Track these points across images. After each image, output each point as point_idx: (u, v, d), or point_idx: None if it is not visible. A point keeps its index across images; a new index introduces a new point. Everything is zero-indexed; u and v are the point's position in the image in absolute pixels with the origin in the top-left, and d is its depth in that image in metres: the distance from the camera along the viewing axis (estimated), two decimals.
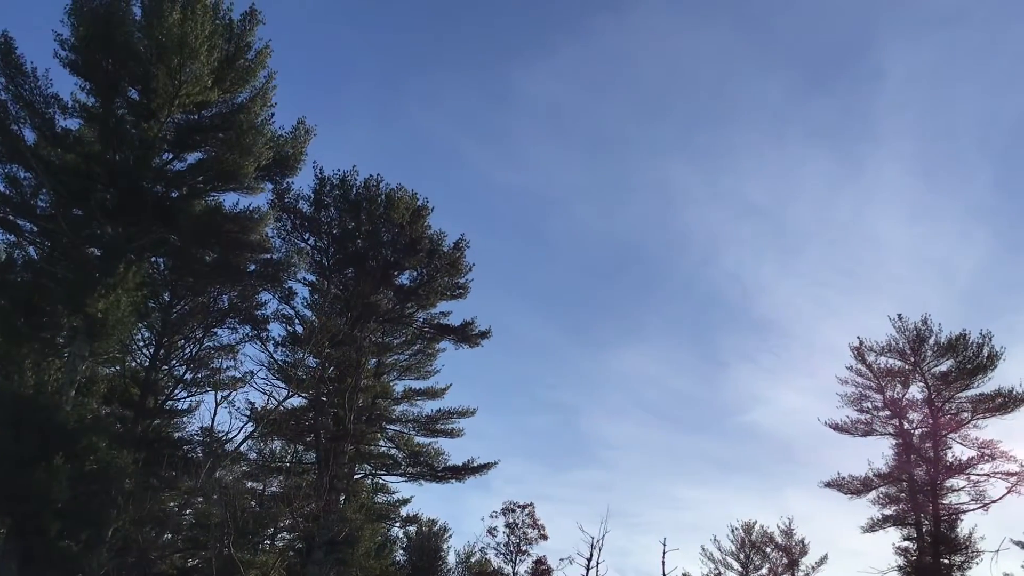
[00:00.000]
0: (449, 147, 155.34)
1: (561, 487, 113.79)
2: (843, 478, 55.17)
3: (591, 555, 54.36)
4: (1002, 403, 51.07)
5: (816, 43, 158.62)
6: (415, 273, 46.66)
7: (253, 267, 37.67)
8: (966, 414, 52.45)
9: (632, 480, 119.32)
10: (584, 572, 54.37)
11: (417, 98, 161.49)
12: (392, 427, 49.56)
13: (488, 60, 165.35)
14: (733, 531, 66.73)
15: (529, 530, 65.90)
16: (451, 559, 65.43)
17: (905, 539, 52.95)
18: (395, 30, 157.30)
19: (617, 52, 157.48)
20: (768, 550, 65.48)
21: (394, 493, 53.35)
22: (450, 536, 64.61)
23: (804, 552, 64.69)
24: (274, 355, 42.36)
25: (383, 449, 49.63)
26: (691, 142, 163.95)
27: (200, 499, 32.58)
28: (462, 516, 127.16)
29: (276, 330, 42.95)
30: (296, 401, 41.13)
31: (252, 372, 39.12)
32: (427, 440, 49.23)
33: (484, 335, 48.86)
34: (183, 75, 28.74)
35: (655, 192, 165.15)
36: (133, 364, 38.30)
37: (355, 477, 47.45)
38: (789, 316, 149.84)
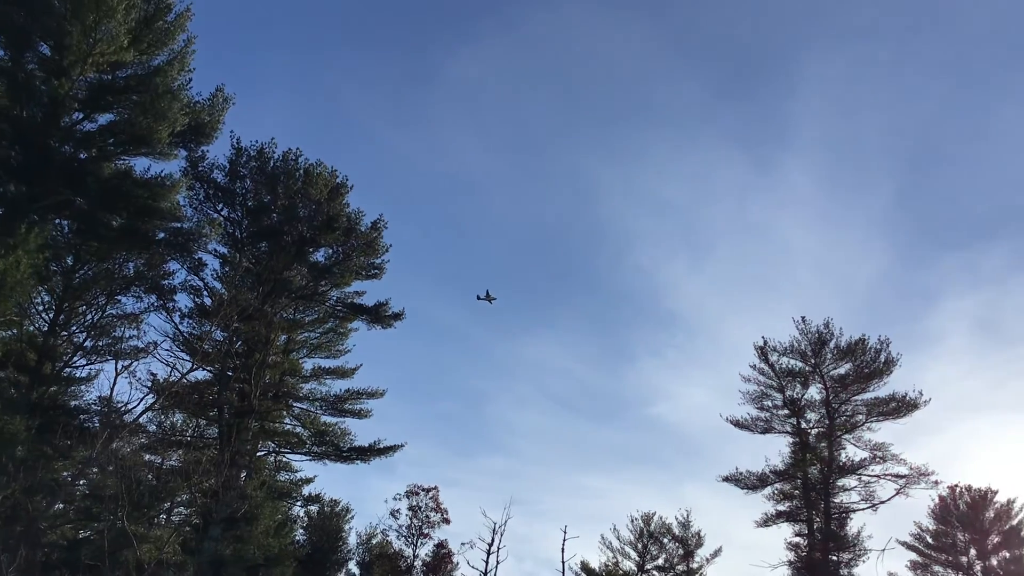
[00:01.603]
0: (369, 126, 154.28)
1: (466, 472, 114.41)
2: (741, 473, 56.74)
3: (492, 540, 54.93)
4: (895, 407, 53.02)
5: (735, 49, 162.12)
6: (331, 251, 46.09)
7: (162, 235, 36.83)
8: (861, 416, 54.33)
9: (536, 467, 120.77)
10: (485, 557, 54.88)
11: (339, 74, 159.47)
12: (299, 405, 49.04)
13: (413, 40, 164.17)
14: (633, 521, 67.75)
15: (432, 514, 66.06)
16: (352, 540, 65.28)
17: (797, 535, 54.67)
18: (320, 1, 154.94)
19: (543, 43, 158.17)
20: (665, 541, 66.69)
21: (297, 472, 52.84)
22: (352, 517, 64.45)
23: (700, 544, 66.11)
24: (180, 326, 41.63)
25: (288, 427, 49.03)
26: (610, 138, 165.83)
27: (95, 470, 31.63)
28: (365, 497, 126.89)
29: (183, 301, 42.16)
30: (200, 374, 40.26)
31: (156, 343, 38.45)
32: (334, 420, 48.86)
33: (397, 317, 48.64)
34: (98, 32, 27.88)
35: (573, 185, 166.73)
36: (31, 328, 36.85)
37: (258, 454, 46.84)
38: (697, 313, 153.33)
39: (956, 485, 68.70)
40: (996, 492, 68.12)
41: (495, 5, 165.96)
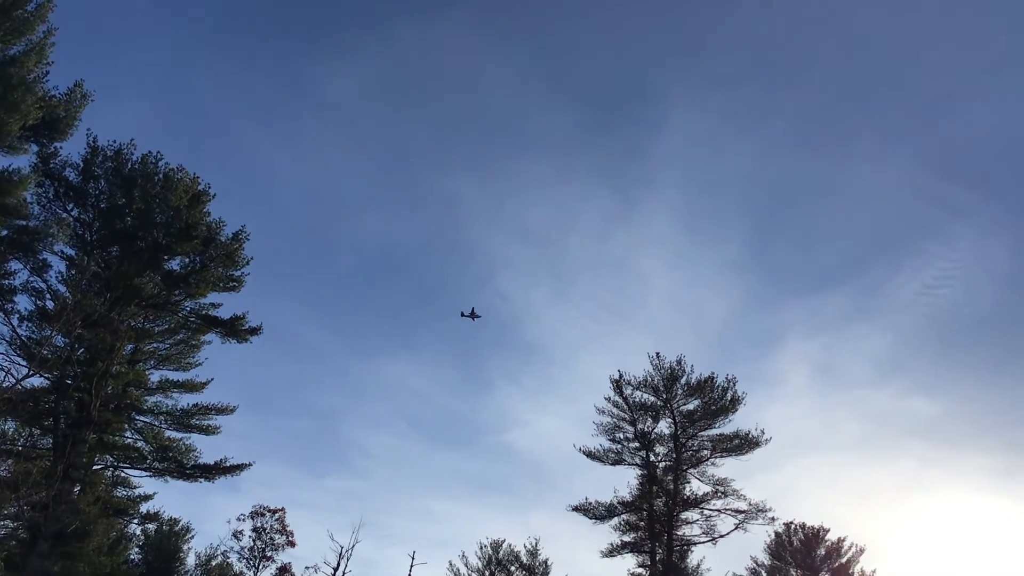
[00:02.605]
0: (237, 134, 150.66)
1: (315, 493, 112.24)
2: (590, 503, 57.52)
3: (338, 565, 53.94)
4: (739, 444, 55.06)
5: (607, 87, 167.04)
6: (187, 260, 44.55)
7: (5, 232, 34.89)
8: (706, 452, 56.18)
9: (387, 491, 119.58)
10: None
11: (208, 78, 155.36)
12: (142, 418, 46.80)
13: (286, 49, 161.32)
14: (482, 548, 67.75)
15: (277, 536, 64.45)
16: (190, 561, 62.84)
17: (640, 566, 55.78)
18: (192, 5, 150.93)
19: (417, 63, 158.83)
20: (513, 569, 66.91)
21: (136, 488, 50.31)
22: (192, 537, 62.08)
23: (547, 572, 66.51)
24: (18, 329, 39.38)
25: (129, 440, 46.74)
26: (481, 162, 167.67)
27: None
28: (207, 516, 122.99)
29: (23, 303, 39.95)
30: (37, 381, 38.22)
31: None
32: (179, 435, 46.81)
33: (254, 331, 47.37)
34: None
35: (442, 207, 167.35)
36: None
37: (94, 468, 44.57)
38: (555, 343, 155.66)
39: (791, 522, 71.95)
40: (828, 530, 71.69)
41: (369, 20, 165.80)
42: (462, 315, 64.58)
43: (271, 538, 64.10)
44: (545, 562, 66.81)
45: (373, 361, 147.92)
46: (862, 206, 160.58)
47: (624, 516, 56.85)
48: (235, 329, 47.08)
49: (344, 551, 54.01)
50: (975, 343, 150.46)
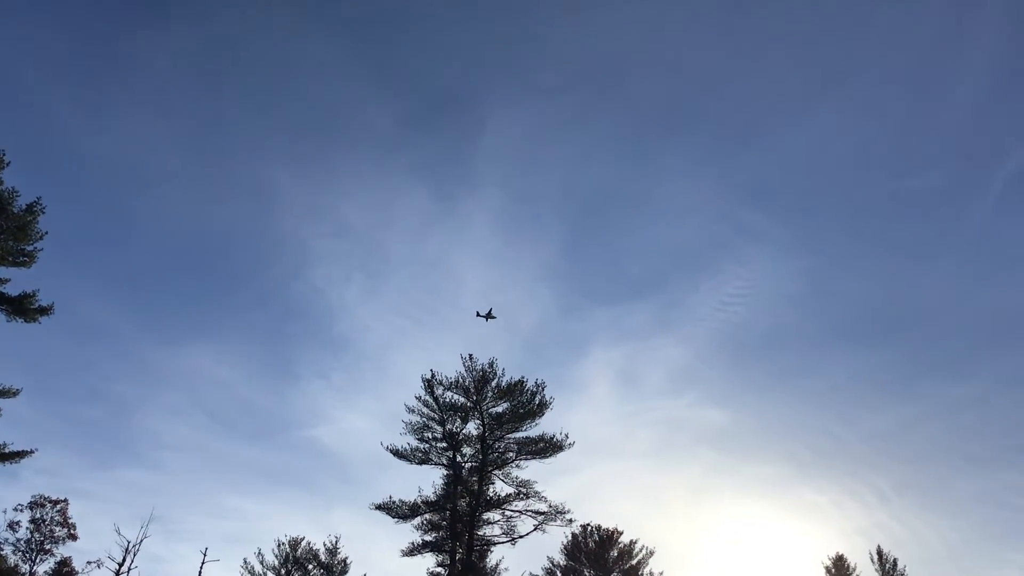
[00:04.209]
0: (36, 99, 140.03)
1: (103, 484, 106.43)
2: (394, 502, 57.22)
3: (124, 560, 51.18)
4: (544, 447, 56.25)
5: (431, 85, 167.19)
6: None
7: None
8: (512, 454, 57.08)
9: (181, 484, 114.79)
10: None
11: (12, 45, 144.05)
12: None
13: (96, 15, 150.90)
14: (280, 546, 66.20)
15: (58, 528, 60.54)
16: None
17: (439, 565, 55.94)
18: None
19: (237, 45, 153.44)
20: (311, 567, 65.77)
21: None
22: None
23: (345, 571, 65.97)
24: None
25: None
26: (299, 151, 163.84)
27: None
28: None
29: None
30: None
31: None
32: None
33: (44, 311, 44.40)
34: None
35: (254, 194, 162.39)
36: None
37: None
38: (368, 339, 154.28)
39: (588, 524, 74.26)
40: (621, 533, 74.43)
41: None
42: (477, 315, 63.37)
43: (51, 530, 60.10)
44: (344, 561, 66.15)
45: (173, 348, 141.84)
46: (669, 223, 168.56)
47: (427, 515, 56.88)
48: (23, 307, 43.98)
49: (131, 546, 51.32)
50: (761, 359, 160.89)
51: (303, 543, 66.72)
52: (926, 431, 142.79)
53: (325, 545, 66.64)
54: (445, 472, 57.43)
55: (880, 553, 69.25)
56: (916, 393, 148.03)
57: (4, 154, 40.81)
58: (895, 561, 68.44)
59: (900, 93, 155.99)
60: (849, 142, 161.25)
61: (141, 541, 51.58)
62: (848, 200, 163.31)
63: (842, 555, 72.24)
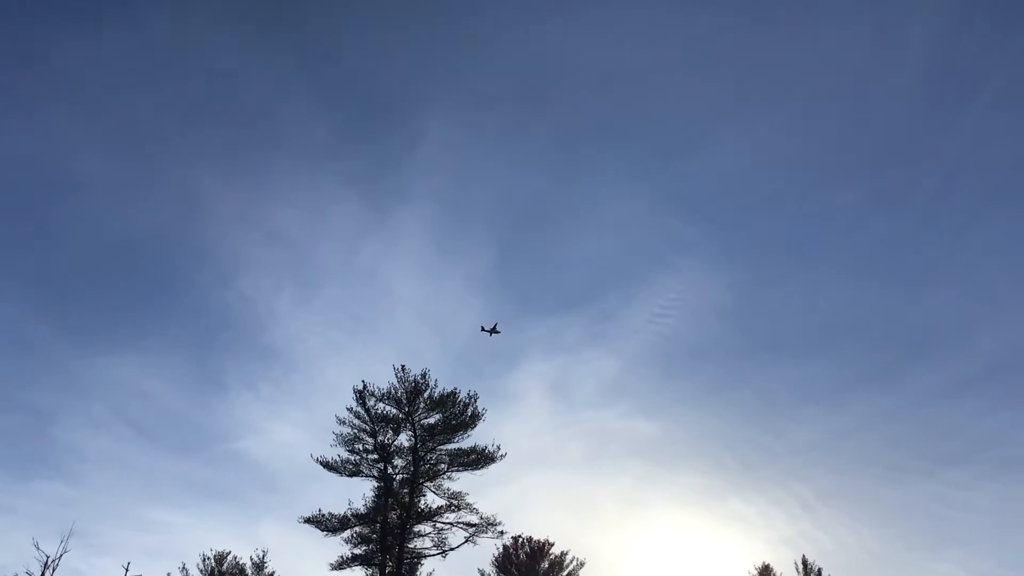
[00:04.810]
0: None
1: (19, 498, 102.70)
2: (323, 515, 56.42)
3: (42, 575, 49.43)
4: (476, 459, 56.17)
5: (365, 94, 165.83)
6: None
7: None
8: (444, 466, 56.83)
9: (103, 497, 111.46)
10: None
11: None
12: None
13: (14, 12, 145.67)
14: (205, 560, 64.74)
15: None
16: None
17: None
18: None
19: (168, 44, 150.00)
20: None
21: None
22: None
23: None
24: None
25: None
26: (230, 158, 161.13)
27: None
28: None
29: None
30: None
31: None
32: None
33: None
34: None
35: (184, 199, 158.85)
36: None
37: None
38: (298, 350, 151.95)
39: (519, 536, 74.05)
40: (552, 544, 74.39)
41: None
42: (482, 329, 63.14)
43: None
44: (271, 575, 64.91)
45: (94, 358, 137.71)
46: (602, 236, 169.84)
47: (357, 528, 56.24)
48: None
49: (50, 561, 49.49)
50: (692, 371, 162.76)
51: (229, 557, 65.40)
52: (852, 442, 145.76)
53: (252, 559, 65.43)
54: (376, 484, 56.93)
55: (805, 563, 70.31)
56: (843, 404, 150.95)
57: None
58: (819, 571, 69.50)
59: (827, 110, 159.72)
60: (779, 157, 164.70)
61: (61, 556, 49.83)
62: (777, 214, 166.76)
63: (768, 565, 73.16)
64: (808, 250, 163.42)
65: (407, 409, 56.27)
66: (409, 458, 56.71)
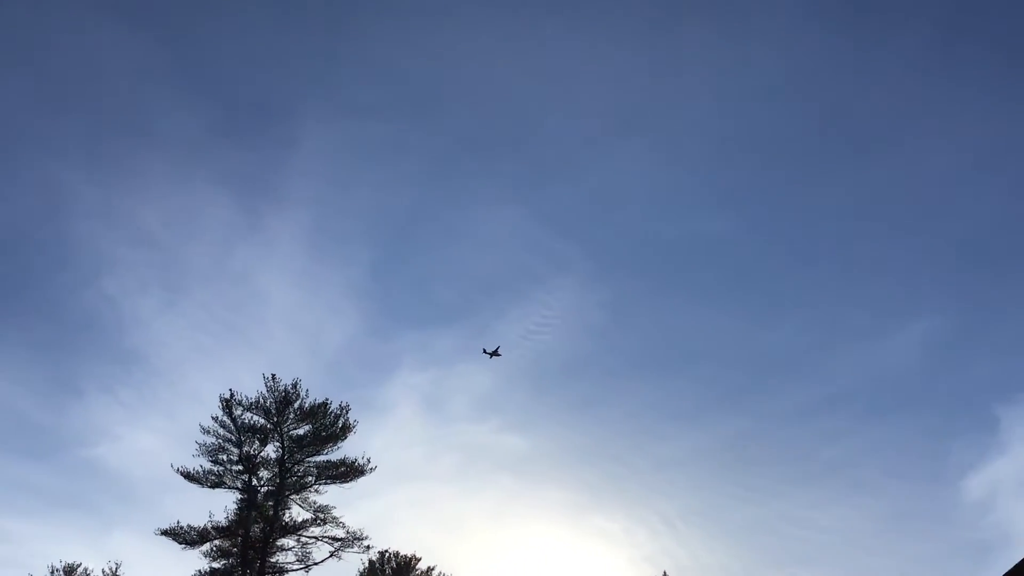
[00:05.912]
0: None
1: None
2: (181, 527, 54.44)
3: None
4: (344, 472, 55.39)
5: (242, 93, 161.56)
6: None
7: None
8: (311, 478, 55.82)
9: None
10: None
11: None
12: None
13: None
14: (53, 572, 61.57)
15: None
16: None
17: None
18: None
19: (27, 27, 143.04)
20: None
21: None
22: None
23: None
24: None
25: None
26: (93, 150, 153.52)
27: None
28: None
29: None
30: None
31: None
32: None
33: None
34: None
35: (42, 192, 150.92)
36: None
37: None
38: (162, 355, 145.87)
39: (386, 550, 73.01)
40: (420, 559, 73.66)
41: None
42: (484, 351, 62.64)
43: None
44: None
45: None
46: (479, 251, 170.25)
47: (217, 542, 54.48)
48: None
49: None
50: (562, 387, 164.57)
51: (80, 569, 62.42)
52: (711, 460, 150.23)
53: (104, 572, 62.43)
54: (239, 496, 55.31)
55: None
56: (703, 423, 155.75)
57: None
58: None
59: (702, 139, 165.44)
60: (654, 180, 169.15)
61: None
62: (646, 237, 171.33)
63: None
64: (675, 274, 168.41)
65: (276, 419, 54.94)
66: (276, 470, 55.37)
